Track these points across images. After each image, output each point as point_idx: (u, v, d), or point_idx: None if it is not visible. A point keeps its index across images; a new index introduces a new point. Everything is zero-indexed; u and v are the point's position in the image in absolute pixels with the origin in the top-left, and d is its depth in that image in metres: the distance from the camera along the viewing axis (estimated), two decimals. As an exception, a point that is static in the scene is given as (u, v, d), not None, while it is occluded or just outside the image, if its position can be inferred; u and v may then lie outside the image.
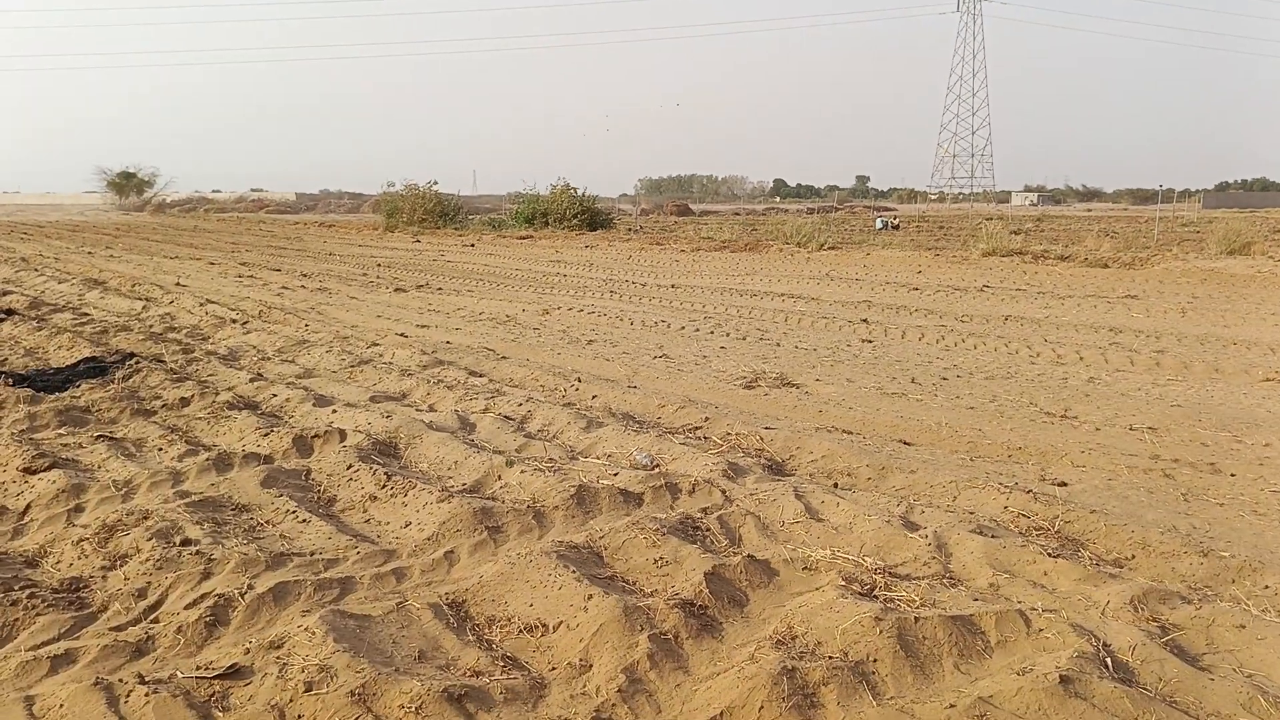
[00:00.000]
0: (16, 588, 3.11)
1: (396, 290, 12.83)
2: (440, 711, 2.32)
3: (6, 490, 4.20)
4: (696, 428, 5.19)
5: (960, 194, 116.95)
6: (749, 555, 3.24)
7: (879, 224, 35.02)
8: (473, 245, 24.33)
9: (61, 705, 2.40)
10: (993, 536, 3.45)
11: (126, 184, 68.31)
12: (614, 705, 2.44)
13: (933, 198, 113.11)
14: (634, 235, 28.50)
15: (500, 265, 17.61)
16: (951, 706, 2.34)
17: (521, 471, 4.22)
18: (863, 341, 8.62)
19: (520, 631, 2.86)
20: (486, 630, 2.87)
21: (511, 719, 2.35)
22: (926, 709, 2.36)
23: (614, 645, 2.69)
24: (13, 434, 5.06)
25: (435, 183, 34.98)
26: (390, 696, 2.36)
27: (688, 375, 6.91)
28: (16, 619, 2.93)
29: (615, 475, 4.22)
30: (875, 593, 2.98)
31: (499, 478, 4.24)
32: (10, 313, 9.92)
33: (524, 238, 27.64)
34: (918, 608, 2.84)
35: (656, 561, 3.28)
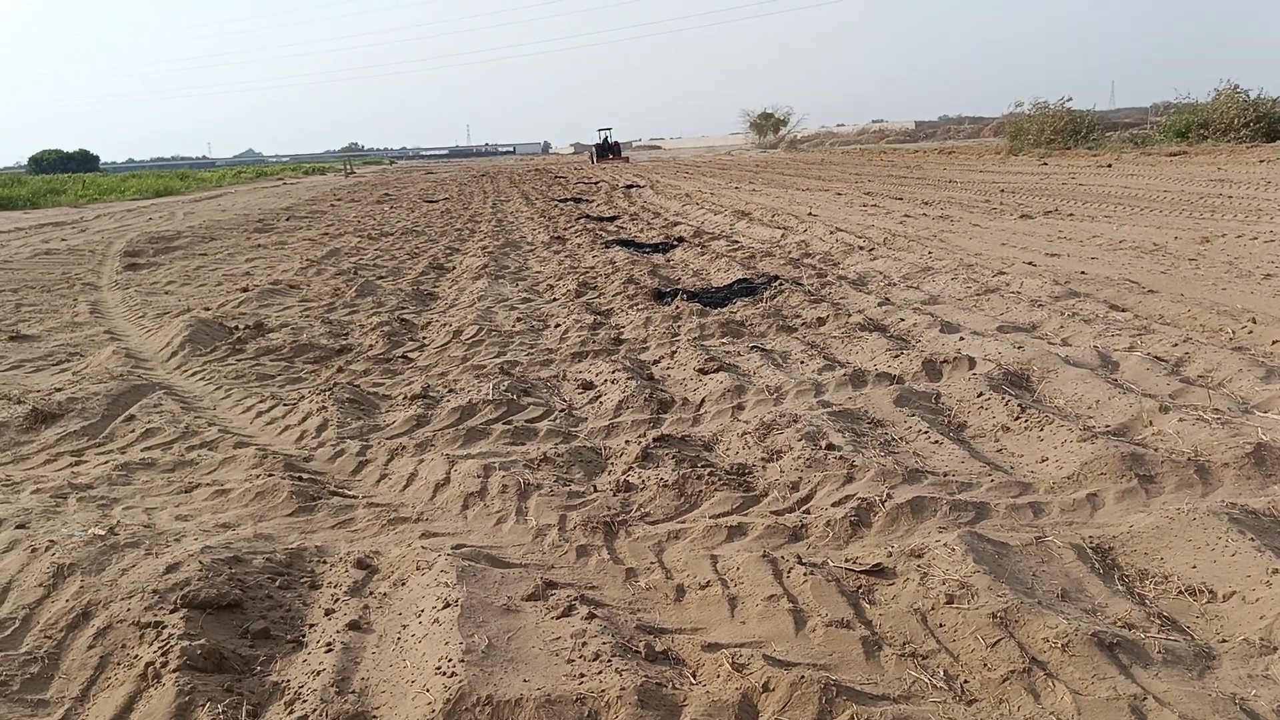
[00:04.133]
0: (699, 465, 3.74)
1: (1022, 217, 12.19)
2: (1089, 655, 2.19)
3: (686, 386, 5.05)
4: None
5: None
6: None
7: None
8: (1109, 165, 21.90)
9: (738, 568, 2.84)
10: None
11: (765, 124, 75.90)
12: (1310, 703, 2.05)
13: None
14: (1331, 145, 22.80)
15: (1144, 187, 15.57)
16: None
17: (1179, 420, 3.72)
18: None
19: (1179, 593, 2.56)
20: (1138, 583, 2.63)
21: (1173, 682, 2.12)
22: None
23: (1310, 634, 2.25)
24: (689, 340, 6.06)
25: (1068, 99, 32.24)
26: (1033, 627, 2.31)
27: None
28: (700, 491, 3.53)
29: (1309, 436, 3.49)
30: None
31: (1150, 423, 3.80)
32: (681, 240, 11.83)
33: (1175, 154, 24.00)
34: None
35: (1374, 547, 2.64)
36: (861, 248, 9.90)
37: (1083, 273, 7.62)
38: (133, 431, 4.57)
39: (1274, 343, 4.96)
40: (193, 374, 5.87)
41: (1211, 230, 9.68)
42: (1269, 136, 25.61)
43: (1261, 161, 19.65)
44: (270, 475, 3.83)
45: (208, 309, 7.96)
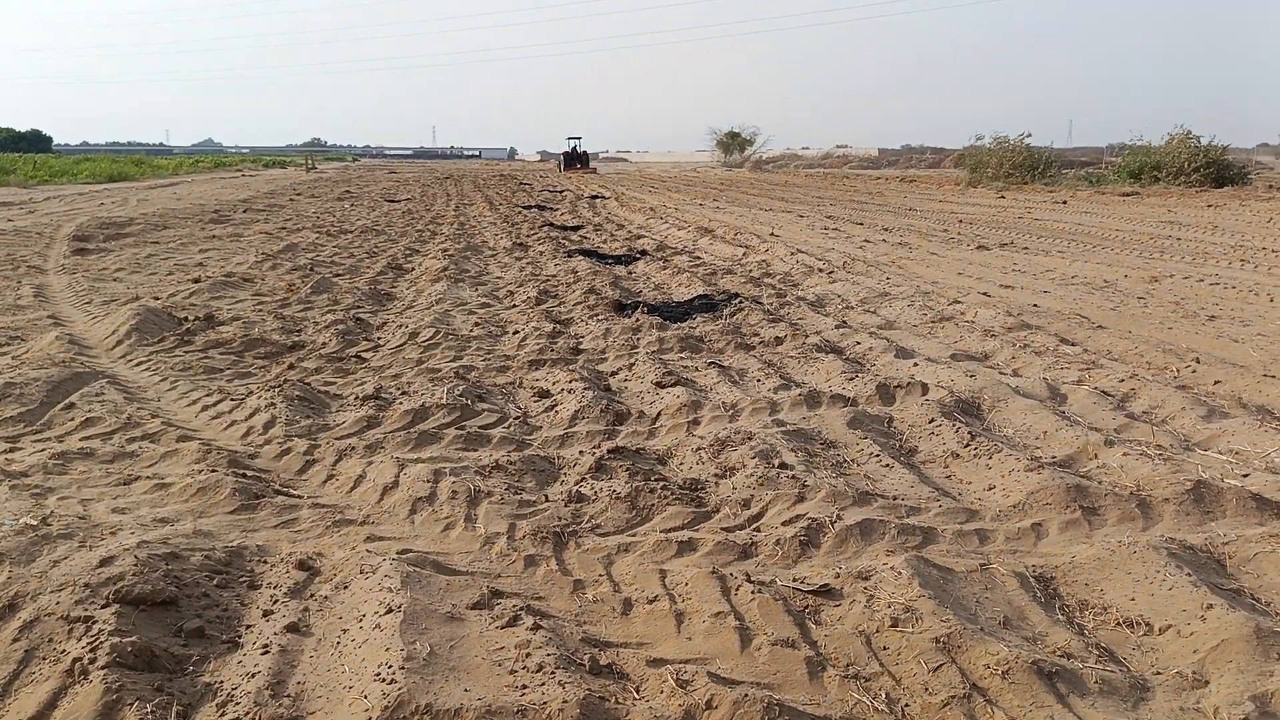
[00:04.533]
0: (652, 479, 3.73)
1: (978, 248, 12.42)
2: (1028, 682, 2.22)
3: (643, 399, 5.04)
4: (1366, 434, 4.14)
5: None
6: None
7: None
8: (1064, 202, 22.42)
9: (687, 583, 2.83)
10: None
11: (731, 142, 76.28)
12: (1238, 736, 2.10)
13: None
14: (1278, 193, 23.58)
15: (1097, 225, 15.96)
16: None
17: (1123, 454, 3.80)
18: None
19: (1117, 624, 2.60)
20: (1078, 614, 2.67)
21: (1108, 712, 2.15)
22: None
23: (1239, 667, 2.30)
24: (648, 353, 6.05)
25: (1028, 135, 32.97)
26: (975, 654, 2.33)
27: (1352, 368, 5.53)
28: (653, 505, 3.52)
29: (1245, 476, 3.59)
30: None
31: (1095, 456, 3.88)
32: (643, 253, 11.85)
33: (1127, 194, 24.64)
34: None
35: (1303, 585, 2.72)
36: (821, 270, 10.00)
37: (1035, 305, 7.77)
38: (72, 420, 4.44)
39: (1216, 383, 5.10)
40: (138, 364, 5.73)
41: (1160, 270, 9.95)
42: (1218, 182, 26.40)
43: (1210, 206, 20.27)
44: (213, 471, 3.74)
45: (157, 298, 7.78)
